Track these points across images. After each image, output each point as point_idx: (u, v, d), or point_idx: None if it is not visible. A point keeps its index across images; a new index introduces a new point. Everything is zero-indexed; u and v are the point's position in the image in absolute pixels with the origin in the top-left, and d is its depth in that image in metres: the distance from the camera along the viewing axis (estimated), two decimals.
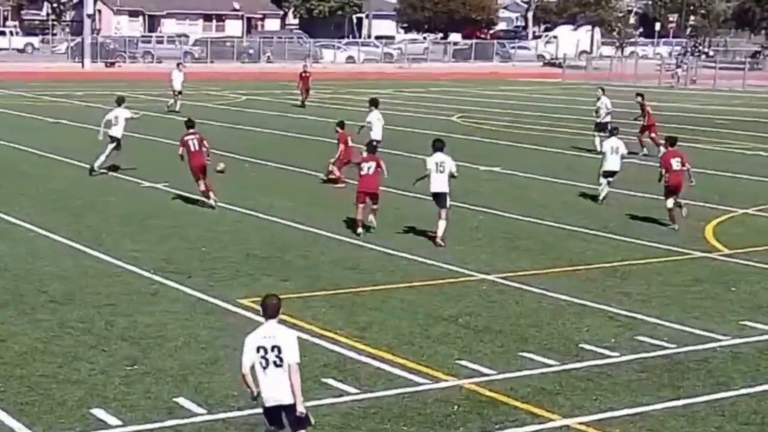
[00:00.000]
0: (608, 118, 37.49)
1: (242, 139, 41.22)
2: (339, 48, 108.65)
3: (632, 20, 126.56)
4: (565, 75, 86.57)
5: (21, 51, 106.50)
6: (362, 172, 23.60)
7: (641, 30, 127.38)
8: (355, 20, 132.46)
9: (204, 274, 19.58)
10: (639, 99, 38.56)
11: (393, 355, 15.10)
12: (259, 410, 11.20)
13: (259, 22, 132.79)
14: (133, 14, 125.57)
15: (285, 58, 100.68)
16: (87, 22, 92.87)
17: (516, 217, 25.55)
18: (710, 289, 19.26)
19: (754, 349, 15.80)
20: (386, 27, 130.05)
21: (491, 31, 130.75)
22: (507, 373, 14.45)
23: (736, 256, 21.90)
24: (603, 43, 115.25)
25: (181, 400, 13.26)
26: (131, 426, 12.56)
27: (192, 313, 17.09)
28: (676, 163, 24.69)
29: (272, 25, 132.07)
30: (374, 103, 33.27)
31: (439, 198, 22.48)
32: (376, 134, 31.98)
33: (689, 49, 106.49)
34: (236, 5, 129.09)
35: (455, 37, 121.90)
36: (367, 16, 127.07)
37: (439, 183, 22.40)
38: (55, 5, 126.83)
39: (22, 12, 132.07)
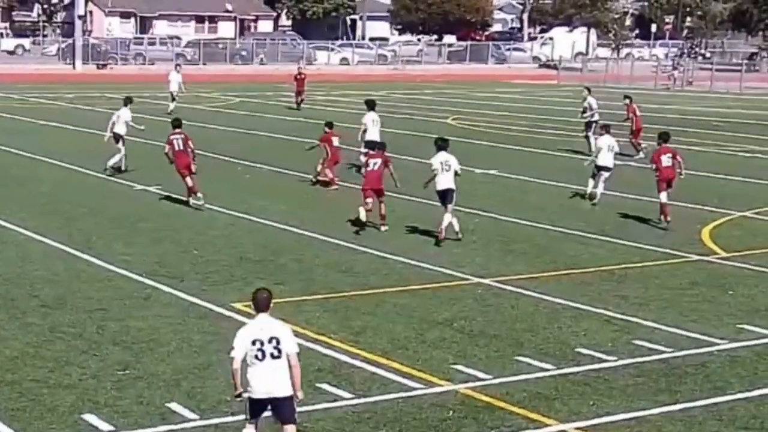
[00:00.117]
0: (595, 117, 37.70)
1: (235, 141, 41.20)
2: (333, 50, 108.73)
3: (628, 22, 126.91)
4: (561, 77, 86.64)
5: (11, 53, 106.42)
6: (368, 168, 24.05)
7: (637, 31, 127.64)
8: (348, 22, 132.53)
9: (197, 277, 19.56)
10: (626, 101, 38.71)
11: (387, 359, 15.09)
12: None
13: (252, 24, 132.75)
14: (124, 15, 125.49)
15: (278, 60, 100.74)
16: (78, 23, 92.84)
17: (511, 220, 25.56)
18: (707, 292, 19.27)
19: (752, 353, 15.81)
20: (380, 28, 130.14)
21: (486, 33, 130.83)
22: (503, 378, 14.44)
23: (734, 259, 21.91)
24: (599, 45, 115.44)
25: (174, 405, 13.24)
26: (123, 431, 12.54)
27: (185, 317, 17.08)
28: (666, 159, 25.03)
29: (265, 26, 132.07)
30: (370, 104, 33.31)
31: (446, 195, 22.70)
32: (372, 135, 32.01)
33: (686, 51, 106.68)
34: (229, 6, 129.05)
35: (450, 38, 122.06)
36: (361, 18, 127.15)
37: (446, 180, 22.71)
38: (45, 7, 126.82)
39: (13, 13, 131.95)
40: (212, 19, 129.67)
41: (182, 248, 22.02)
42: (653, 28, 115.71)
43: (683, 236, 23.96)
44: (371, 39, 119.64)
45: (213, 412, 13.04)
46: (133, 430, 12.56)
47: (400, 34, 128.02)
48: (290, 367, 10.93)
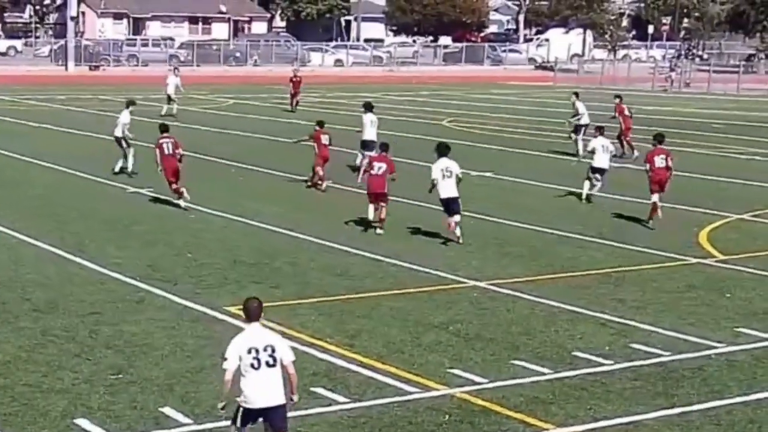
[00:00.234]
0: (584, 121, 37.95)
1: (229, 143, 41.20)
2: (327, 51, 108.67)
3: (625, 23, 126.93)
4: (557, 78, 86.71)
5: (3, 54, 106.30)
6: (372, 172, 24.19)
7: (634, 33, 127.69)
8: (343, 23, 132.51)
9: (190, 281, 19.55)
10: (617, 101, 38.96)
11: (383, 363, 15.09)
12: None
13: (246, 25, 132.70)
14: (117, 17, 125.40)
15: (272, 62, 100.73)
16: (70, 24, 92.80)
17: (507, 223, 25.56)
18: (705, 295, 19.28)
19: (750, 357, 15.82)
20: (375, 30, 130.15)
21: (482, 34, 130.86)
22: (499, 382, 14.44)
23: (731, 262, 21.93)
24: (595, 46, 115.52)
25: (167, 410, 13.23)
26: None
27: (178, 321, 17.07)
28: (660, 161, 25.28)
29: (259, 27, 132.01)
30: (368, 106, 33.51)
31: (450, 203, 22.82)
32: (370, 135, 32.30)
33: (683, 52, 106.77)
34: (222, 8, 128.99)
35: (445, 40, 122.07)
36: (355, 19, 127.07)
37: (448, 188, 22.78)
38: (38, 8, 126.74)
39: (5, 14, 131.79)
40: (206, 21, 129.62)
41: (176, 251, 22.01)
42: (650, 29, 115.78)
43: (681, 239, 23.98)
44: (366, 40, 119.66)
45: (207, 416, 13.02)
46: None
47: (395, 36, 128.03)
48: (288, 374, 10.97)
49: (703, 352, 15.93)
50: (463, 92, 74.05)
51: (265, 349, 10.80)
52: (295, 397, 11.18)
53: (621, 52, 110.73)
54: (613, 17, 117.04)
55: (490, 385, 14.30)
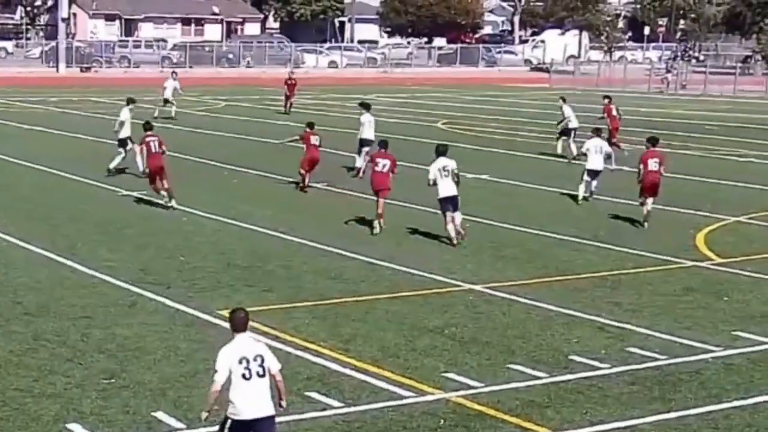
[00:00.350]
0: (572, 124, 38.16)
1: (222, 146, 41.17)
2: (321, 52, 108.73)
3: (621, 24, 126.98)
4: (553, 80, 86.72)
5: None
6: (376, 168, 24.36)
7: (630, 34, 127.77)
8: (337, 24, 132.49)
9: (183, 284, 19.53)
10: (606, 102, 39.13)
11: (378, 367, 15.08)
12: None
13: (239, 26, 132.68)
14: (109, 18, 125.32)
15: (265, 63, 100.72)
16: (62, 26, 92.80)
17: (503, 226, 25.57)
18: (702, 298, 19.29)
19: (747, 360, 15.83)
20: (369, 31, 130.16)
21: (476, 36, 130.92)
22: (494, 386, 14.44)
23: (728, 265, 21.95)
24: (591, 48, 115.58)
25: (160, 415, 13.22)
26: None
27: (171, 325, 17.05)
28: (653, 163, 25.54)
29: (252, 29, 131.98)
30: (365, 106, 33.85)
31: (449, 201, 23.01)
32: (368, 134, 32.60)
33: (679, 54, 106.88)
34: (215, 9, 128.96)
35: (440, 41, 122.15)
36: (349, 20, 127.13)
37: (447, 187, 22.98)
38: (29, 9, 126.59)
39: None
40: (198, 22, 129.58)
41: (168, 254, 22.00)
42: (646, 30, 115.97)
43: (677, 242, 24.00)
44: (360, 42, 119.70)
45: (200, 421, 12.98)
46: None
47: (389, 37, 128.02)
48: (277, 382, 10.96)
49: (700, 355, 15.94)
50: (457, 94, 74.07)
51: (255, 359, 10.77)
52: (284, 403, 11.20)
53: (617, 54, 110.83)
54: (609, 18, 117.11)
55: (486, 389, 14.30)
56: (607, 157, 29.11)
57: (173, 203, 26.58)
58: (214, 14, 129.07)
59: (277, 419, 12.97)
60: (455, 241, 23.05)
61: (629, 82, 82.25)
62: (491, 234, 24.66)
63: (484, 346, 16.21)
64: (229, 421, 10.87)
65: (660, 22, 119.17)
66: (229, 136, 44.66)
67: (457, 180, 23.17)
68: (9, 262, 21.10)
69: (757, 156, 40.31)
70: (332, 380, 14.56)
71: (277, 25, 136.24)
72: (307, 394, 13.95)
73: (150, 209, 27.10)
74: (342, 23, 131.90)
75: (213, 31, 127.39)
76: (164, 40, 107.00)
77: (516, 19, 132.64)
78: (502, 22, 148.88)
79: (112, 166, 31.89)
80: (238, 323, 10.97)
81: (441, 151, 23.48)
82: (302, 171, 29.98)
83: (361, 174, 30.19)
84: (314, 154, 29.93)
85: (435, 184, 23.07)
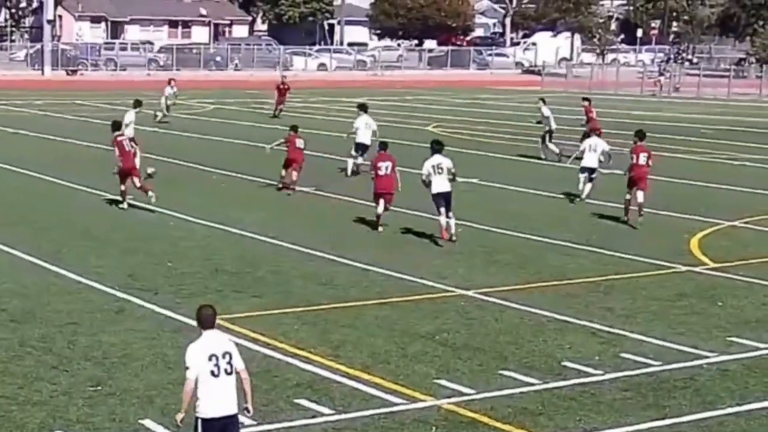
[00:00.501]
0: (551, 126, 38.67)
1: (210, 149, 41.15)
2: (310, 55, 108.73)
3: (613, 26, 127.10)
4: (545, 83, 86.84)
5: None
6: (379, 173, 24.80)
7: (623, 36, 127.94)
8: (326, 26, 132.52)
9: (171, 290, 19.50)
10: (585, 104, 39.49)
11: (368, 374, 15.07)
12: None
13: (227, 29, 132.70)
14: (95, 20, 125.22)
15: (253, 66, 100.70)
16: (47, 28, 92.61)
17: (495, 230, 25.58)
18: (696, 304, 19.32)
19: (742, 366, 15.85)
20: (359, 34, 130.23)
21: (467, 38, 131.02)
22: (487, 393, 14.44)
23: (723, 269, 21.97)
24: (583, 50, 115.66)
25: (148, 422, 13.20)
26: None
27: (158, 331, 17.02)
28: (642, 158, 26.15)
29: (240, 31, 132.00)
30: (362, 107, 34.16)
31: (442, 197, 23.45)
32: (363, 138, 32.83)
33: (672, 56, 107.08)
34: (203, 11, 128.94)
35: (430, 44, 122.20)
36: (339, 23, 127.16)
37: (440, 183, 23.48)
38: (13, 11, 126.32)
39: None
40: (186, 24, 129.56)
41: (156, 260, 21.97)
42: (639, 32, 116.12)
43: (671, 246, 24.03)
44: (349, 44, 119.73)
45: (188, 428, 12.95)
46: None
47: (379, 39, 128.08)
48: (243, 381, 10.93)
49: (695, 361, 15.95)
50: (448, 97, 74.12)
51: (224, 356, 10.77)
52: (251, 407, 11.11)
53: (610, 56, 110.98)
54: (601, 20, 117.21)
55: (478, 396, 14.30)
56: (609, 158, 29.31)
57: (153, 198, 26.67)
58: (202, 16, 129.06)
59: (267, 426, 13.02)
60: (454, 238, 23.54)
61: (622, 85, 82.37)
62: (483, 239, 24.67)
63: (476, 352, 16.21)
64: (200, 421, 10.85)
65: (653, 24, 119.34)
66: (217, 139, 44.62)
67: (452, 178, 23.63)
68: None
69: (751, 159, 40.38)
70: (322, 387, 14.55)
71: (265, 27, 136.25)
72: (296, 401, 13.94)
73: (137, 214, 27.06)
74: (331, 25, 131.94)
75: (200, 34, 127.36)
76: (151, 43, 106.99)
77: (507, 21, 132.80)
78: (494, 24, 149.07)
79: (148, 172, 32.00)
80: (206, 320, 10.95)
81: (436, 148, 23.93)
82: (283, 173, 30.17)
83: (348, 173, 31.76)
84: (297, 156, 30.04)
85: (429, 181, 23.44)
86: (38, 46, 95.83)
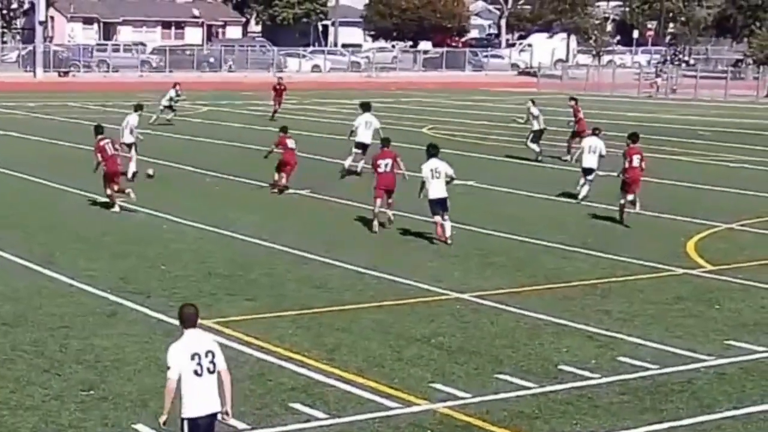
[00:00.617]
0: (538, 126, 38.96)
1: (203, 152, 41.13)
2: (304, 57, 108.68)
3: (609, 28, 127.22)
4: (540, 84, 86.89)
5: None
6: (380, 170, 25.07)
7: (618, 38, 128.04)
8: (320, 28, 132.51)
9: (164, 293, 19.48)
10: (572, 103, 39.77)
11: (363, 378, 15.06)
12: None
13: (220, 30, 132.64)
14: (87, 21, 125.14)
15: (247, 67, 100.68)
16: (39, 29, 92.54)
17: (490, 233, 25.57)
18: (693, 307, 19.32)
19: (740, 370, 15.86)
20: (353, 35, 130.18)
21: (463, 39, 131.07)
22: (482, 397, 14.43)
23: (720, 272, 21.98)
24: (579, 52, 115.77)
25: (140, 427, 13.18)
26: None
27: (151, 335, 17.00)
28: (636, 160, 26.49)
29: (234, 32, 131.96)
30: (363, 106, 34.32)
31: (439, 203, 23.72)
32: (363, 137, 33.03)
33: (669, 58, 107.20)
34: (196, 12, 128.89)
35: (425, 45, 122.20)
36: (333, 24, 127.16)
37: (437, 189, 23.68)
38: (5, 12, 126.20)
39: None
40: (179, 25, 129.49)
41: (148, 263, 21.94)
42: (635, 34, 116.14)
43: (668, 249, 24.04)
44: (344, 45, 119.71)
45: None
46: None
47: (373, 41, 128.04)
48: (224, 381, 10.93)
49: (692, 365, 15.96)
50: (443, 99, 74.14)
51: (206, 355, 10.80)
52: (230, 411, 11.07)
53: (606, 58, 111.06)
54: (597, 22, 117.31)
55: (474, 400, 14.29)
56: (600, 156, 29.54)
57: (132, 196, 26.98)
58: (195, 17, 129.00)
59: (261, 430, 13.01)
60: (449, 241, 23.71)
61: (618, 87, 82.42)
62: (478, 241, 24.67)
63: (471, 355, 16.20)
64: (186, 422, 10.87)
65: (649, 26, 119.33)
66: (211, 141, 44.60)
67: (449, 181, 23.89)
68: None
69: (748, 161, 40.41)
70: (317, 391, 14.53)
71: (259, 28, 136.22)
72: (291, 405, 13.93)
73: (130, 217, 27.03)
74: (325, 27, 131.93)
75: (194, 35, 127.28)
76: (143, 44, 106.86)
77: (503, 22, 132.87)
78: (489, 25, 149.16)
79: (148, 173, 32.51)
80: (188, 319, 10.96)
81: (432, 153, 24.14)
82: (276, 176, 30.26)
83: (344, 171, 32.51)
84: (290, 158, 30.13)
85: (424, 184, 23.73)
86: (30, 47, 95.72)
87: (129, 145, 32.76)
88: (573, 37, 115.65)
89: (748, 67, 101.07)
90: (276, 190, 30.45)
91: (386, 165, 25.12)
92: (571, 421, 13.66)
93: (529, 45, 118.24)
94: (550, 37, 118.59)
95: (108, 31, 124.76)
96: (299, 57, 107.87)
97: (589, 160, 29.50)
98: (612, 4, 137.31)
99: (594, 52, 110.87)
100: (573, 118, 39.56)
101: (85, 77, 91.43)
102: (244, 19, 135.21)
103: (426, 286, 20.24)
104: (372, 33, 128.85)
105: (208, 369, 10.77)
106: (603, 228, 26.58)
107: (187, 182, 33.04)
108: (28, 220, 26.57)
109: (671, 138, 47.18)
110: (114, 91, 72.51)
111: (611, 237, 25.48)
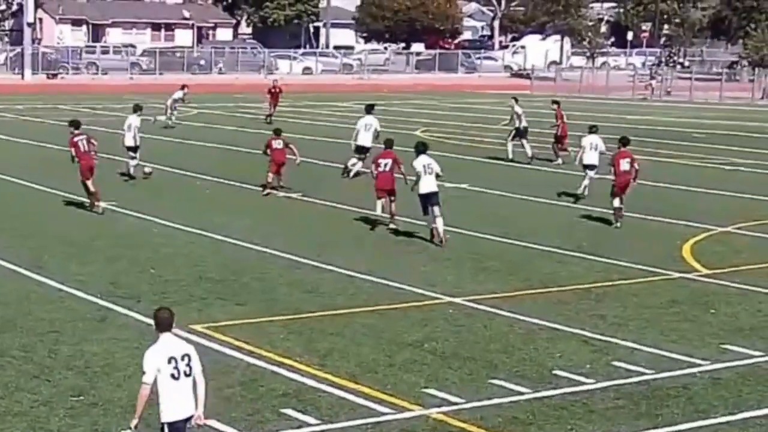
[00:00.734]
0: (520, 124, 39.38)
1: (194, 155, 41.10)
2: (295, 59, 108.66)
3: (603, 29, 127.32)
4: (534, 87, 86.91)
5: None
6: (379, 169, 25.43)
7: (613, 39, 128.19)
8: (312, 29, 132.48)
9: (154, 298, 19.44)
10: (554, 107, 40.07)
11: (355, 383, 15.05)
12: None
13: (211, 32, 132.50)
14: (76, 23, 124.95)
15: (238, 70, 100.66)
16: (27, 31, 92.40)
17: (484, 237, 25.58)
18: (689, 311, 19.34)
19: (736, 374, 15.87)
20: (345, 36, 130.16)
21: (455, 41, 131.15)
22: (476, 402, 14.43)
23: (716, 276, 22.00)
24: (573, 54, 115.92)
25: None
26: None
27: (141, 340, 16.92)
28: (625, 164, 26.74)
29: (224, 34, 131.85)
30: (367, 108, 34.74)
31: (430, 197, 24.15)
32: (362, 140, 33.32)
33: (664, 60, 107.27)
34: (186, 14, 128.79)
35: (418, 47, 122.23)
36: (324, 25, 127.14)
37: (429, 183, 24.21)
38: None
39: None
40: (169, 27, 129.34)
41: (139, 267, 21.92)
42: (629, 35, 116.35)
43: (663, 253, 24.06)
44: (335, 47, 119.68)
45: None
46: None
47: (365, 43, 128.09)
48: (199, 386, 10.98)
49: (688, 370, 15.97)
50: (436, 101, 74.17)
51: (182, 358, 10.87)
52: (201, 414, 11.06)
53: (600, 60, 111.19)
54: (591, 23, 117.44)
55: (467, 406, 14.29)
56: (601, 153, 30.28)
57: (101, 206, 27.27)
58: (185, 19, 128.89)
59: None
60: (444, 241, 23.90)
61: (612, 89, 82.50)
62: (472, 245, 24.68)
63: (465, 360, 16.20)
64: (167, 426, 10.90)
65: (644, 27, 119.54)
66: (202, 144, 44.57)
67: (438, 176, 24.46)
68: None
69: (744, 164, 40.46)
70: (308, 397, 14.53)
71: (249, 30, 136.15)
72: (282, 411, 13.92)
73: (121, 221, 27.01)
74: (317, 28, 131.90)
75: (184, 37, 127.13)
76: (133, 46, 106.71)
77: (496, 24, 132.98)
78: (482, 27, 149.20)
79: (145, 172, 33.28)
80: (163, 323, 11.01)
81: (421, 150, 24.67)
82: (269, 177, 30.44)
83: (350, 175, 33.07)
84: (277, 156, 30.27)
85: (419, 179, 24.12)
86: (18, 49, 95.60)
87: (133, 148, 33.07)
88: (567, 39, 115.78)
89: (743, 69, 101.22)
90: (267, 191, 30.46)
91: (386, 164, 25.43)
92: (565, 426, 13.66)
93: (523, 47, 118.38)
94: (544, 38, 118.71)
95: (97, 32, 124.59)
96: (290, 59, 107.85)
97: (591, 157, 30.30)
98: (606, 5, 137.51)
99: (588, 54, 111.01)
100: (555, 122, 39.86)
101: (74, 79, 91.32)
102: (234, 21, 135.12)
103: (419, 290, 20.24)
104: (364, 35, 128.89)
105: (185, 372, 10.84)
106: (598, 231, 26.60)
107: (178, 185, 33.02)
108: (16, 223, 26.53)
109: (666, 140, 47.23)
110: (103, 93, 72.43)
111: (606, 241, 25.49)
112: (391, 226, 25.49)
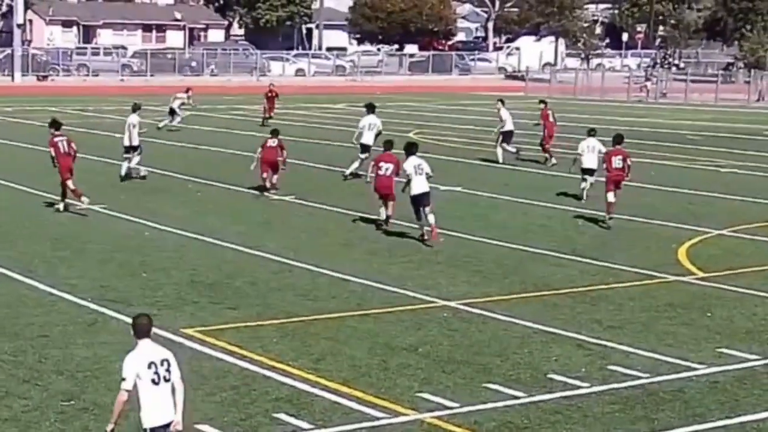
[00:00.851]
0: (507, 128, 39.69)
1: (185, 157, 41.07)
2: (288, 60, 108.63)
3: (598, 30, 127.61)
4: (528, 88, 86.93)
5: None
6: (380, 172, 25.45)
7: (608, 41, 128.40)
8: (304, 31, 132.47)
9: (146, 302, 19.42)
10: (542, 106, 40.21)
11: (349, 387, 15.05)
12: None
13: (202, 33, 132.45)
14: (66, 24, 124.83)
15: (230, 71, 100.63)
16: (17, 32, 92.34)
17: (478, 239, 25.58)
18: (685, 314, 19.35)
19: (732, 378, 15.89)
20: (338, 38, 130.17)
21: (449, 43, 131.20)
22: (471, 406, 14.44)
23: (712, 279, 22.02)
24: (568, 55, 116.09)
25: None
26: None
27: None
28: (617, 161, 27.16)
29: (216, 36, 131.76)
30: (369, 108, 35.00)
31: (422, 198, 24.38)
32: (365, 139, 33.57)
33: (659, 61, 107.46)
34: (177, 15, 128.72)
35: (411, 48, 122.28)
36: (317, 27, 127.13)
37: (420, 184, 24.41)
38: None
39: None
40: (160, 28, 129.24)
41: (130, 271, 21.90)
42: (624, 37, 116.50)
43: (659, 256, 24.08)
44: (328, 49, 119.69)
45: None
46: None
47: (358, 44, 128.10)
48: (178, 392, 11.02)
49: (684, 373, 15.99)
50: (430, 103, 74.17)
51: (161, 363, 10.95)
52: (180, 419, 11.07)
53: (594, 61, 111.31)
54: (586, 25, 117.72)
55: (462, 410, 14.29)
56: (599, 153, 30.15)
57: (84, 201, 27.34)
58: (176, 20, 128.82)
59: None
60: (436, 238, 24.21)
61: (608, 91, 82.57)
62: (466, 248, 24.68)
63: (459, 364, 16.20)
64: (150, 429, 10.92)
65: (639, 29, 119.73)
66: (194, 147, 44.54)
67: (429, 177, 24.68)
68: None
69: (740, 166, 40.50)
70: (302, 401, 14.53)
71: (241, 31, 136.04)
72: (275, 415, 13.91)
73: (112, 224, 26.99)
74: (309, 30, 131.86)
75: (175, 38, 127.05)
76: (124, 47, 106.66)
77: (490, 25, 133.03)
78: (476, 28, 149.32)
79: (143, 173, 33.55)
80: (141, 329, 11.13)
81: (412, 151, 24.89)
82: (264, 175, 30.63)
83: (347, 173, 33.28)
84: (269, 156, 30.35)
85: (410, 181, 24.30)
86: (8, 51, 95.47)
87: (134, 148, 33.25)
88: (561, 41, 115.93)
89: (738, 71, 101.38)
90: (262, 192, 30.53)
91: (387, 169, 25.38)
92: (561, 430, 13.67)
93: (517, 48, 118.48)
94: (538, 40, 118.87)
95: (88, 34, 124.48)
96: (283, 61, 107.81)
97: (590, 160, 30.18)
98: (601, 6, 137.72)
99: (583, 56, 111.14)
100: (540, 121, 40.03)
101: (65, 81, 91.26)
102: (226, 22, 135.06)
103: (413, 294, 20.24)
104: (357, 36, 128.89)
105: (165, 377, 10.92)
106: (593, 235, 26.62)
107: (170, 188, 32.98)
108: (6, 227, 26.50)
109: (662, 142, 47.28)
110: (94, 95, 72.37)
111: (601, 244, 25.51)
112: (384, 227, 25.68)
